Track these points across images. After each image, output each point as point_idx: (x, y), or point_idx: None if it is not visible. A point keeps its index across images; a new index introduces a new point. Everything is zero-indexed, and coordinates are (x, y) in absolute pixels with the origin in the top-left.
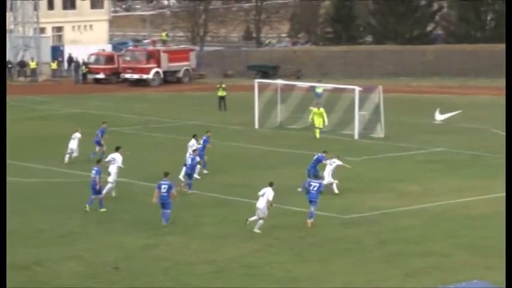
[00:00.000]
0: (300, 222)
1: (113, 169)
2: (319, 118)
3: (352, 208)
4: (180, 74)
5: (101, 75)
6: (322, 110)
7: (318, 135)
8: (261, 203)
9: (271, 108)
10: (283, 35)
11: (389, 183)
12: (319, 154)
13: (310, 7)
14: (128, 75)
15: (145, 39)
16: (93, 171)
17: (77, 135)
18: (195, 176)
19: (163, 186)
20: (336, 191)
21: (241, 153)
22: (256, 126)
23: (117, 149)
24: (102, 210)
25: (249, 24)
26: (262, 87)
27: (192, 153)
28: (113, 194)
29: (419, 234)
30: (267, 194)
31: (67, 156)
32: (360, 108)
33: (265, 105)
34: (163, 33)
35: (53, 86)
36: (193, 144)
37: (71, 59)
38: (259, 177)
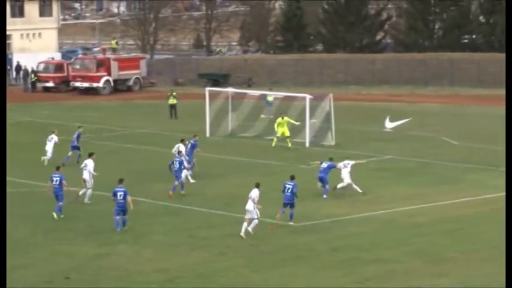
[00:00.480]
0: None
1: (86, 175)
2: (282, 127)
3: (304, 216)
4: (131, 82)
5: (51, 84)
6: (286, 118)
7: (274, 144)
8: (250, 205)
9: (223, 117)
10: (234, 44)
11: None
12: (329, 162)
13: (260, 16)
14: (77, 84)
15: (95, 47)
16: (54, 179)
17: (54, 137)
18: (190, 179)
19: (119, 194)
20: (359, 190)
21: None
22: (208, 134)
23: (90, 155)
24: (61, 216)
25: (199, 33)
26: (213, 96)
27: (177, 155)
28: (86, 200)
29: (370, 242)
30: (253, 194)
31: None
32: (311, 116)
33: (216, 114)
34: (113, 41)
35: None
36: (177, 149)
37: (19, 67)
38: (209, 186)
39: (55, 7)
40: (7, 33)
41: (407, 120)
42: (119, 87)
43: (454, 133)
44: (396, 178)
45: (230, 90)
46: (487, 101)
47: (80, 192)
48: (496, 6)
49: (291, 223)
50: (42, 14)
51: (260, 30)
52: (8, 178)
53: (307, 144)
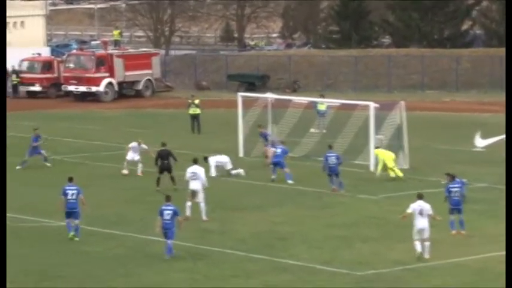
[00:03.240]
0: (297, 279)
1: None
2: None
3: (368, 262)
4: (140, 86)
5: (37, 87)
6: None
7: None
8: (424, 222)
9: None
10: (274, 36)
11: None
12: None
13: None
14: (71, 87)
15: (94, 40)
16: (69, 192)
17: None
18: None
19: (166, 213)
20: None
21: (220, 189)
22: (241, 153)
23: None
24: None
25: (229, 21)
26: (248, 103)
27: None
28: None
29: None
30: (425, 208)
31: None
32: (376, 131)
33: (252, 127)
34: (116, 32)
35: None
36: (191, 174)
37: None
38: (244, 221)
39: None
40: None
41: (503, 136)
42: (125, 91)
43: None
44: (490, 213)
45: (269, 96)
46: None
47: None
48: None
49: (463, 232)
50: None
51: (308, 18)
52: None
53: (371, 167)
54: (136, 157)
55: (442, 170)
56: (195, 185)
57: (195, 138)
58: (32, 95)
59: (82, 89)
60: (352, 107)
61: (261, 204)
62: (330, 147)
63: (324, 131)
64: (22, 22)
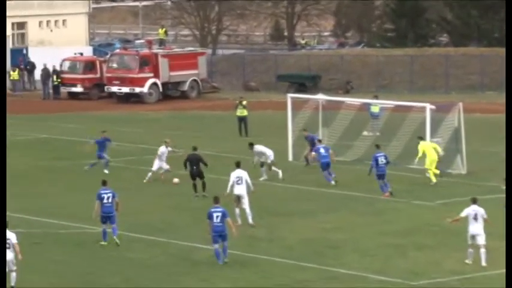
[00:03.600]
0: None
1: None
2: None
3: (423, 271)
4: (186, 87)
5: (79, 88)
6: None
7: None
8: (479, 228)
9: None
10: (326, 34)
11: None
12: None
13: None
14: (114, 88)
15: (138, 39)
16: (105, 195)
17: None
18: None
19: (215, 215)
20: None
21: (268, 194)
22: (290, 157)
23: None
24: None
25: (279, 19)
26: (298, 105)
27: None
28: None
29: None
30: (479, 212)
31: None
32: (433, 134)
33: (302, 129)
34: (162, 31)
35: (12, 103)
36: (234, 183)
37: (33, 66)
38: (292, 227)
39: None
40: (20, 20)
41: None
42: (170, 92)
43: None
44: None
45: (321, 97)
46: None
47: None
48: None
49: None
50: None
51: (362, 15)
52: (16, 214)
53: (427, 173)
54: (165, 165)
55: (501, 176)
56: (240, 190)
57: (242, 141)
58: (73, 96)
59: (125, 90)
60: (407, 109)
61: (310, 210)
62: (378, 146)
63: (378, 134)
64: (64, 21)
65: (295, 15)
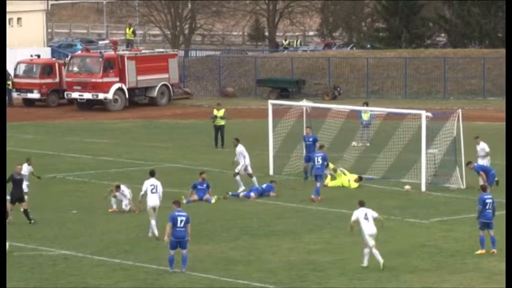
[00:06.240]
0: None
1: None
2: None
3: None
4: (155, 93)
5: (35, 94)
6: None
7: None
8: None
9: (294, 144)
10: (311, 34)
11: (475, 259)
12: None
13: None
14: (75, 94)
15: (102, 39)
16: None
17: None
18: None
19: (179, 219)
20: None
21: (248, 212)
22: (271, 171)
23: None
24: None
25: (259, 18)
26: (280, 112)
27: None
28: None
29: None
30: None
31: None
32: (429, 145)
33: (284, 139)
34: (129, 30)
35: None
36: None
37: None
38: (272, 249)
39: None
40: None
41: None
42: (137, 99)
43: None
44: None
45: (305, 104)
46: None
47: None
48: None
49: (494, 250)
50: None
51: (351, 13)
52: None
53: (423, 188)
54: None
55: (504, 190)
56: (155, 201)
57: (219, 153)
58: (29, 102)
59: (87, 96)
60: (401, 117)
61: (294, 229)
62: (321, 147)
63: (368, 144)
64: (19, 19)
65: (276, 12)
